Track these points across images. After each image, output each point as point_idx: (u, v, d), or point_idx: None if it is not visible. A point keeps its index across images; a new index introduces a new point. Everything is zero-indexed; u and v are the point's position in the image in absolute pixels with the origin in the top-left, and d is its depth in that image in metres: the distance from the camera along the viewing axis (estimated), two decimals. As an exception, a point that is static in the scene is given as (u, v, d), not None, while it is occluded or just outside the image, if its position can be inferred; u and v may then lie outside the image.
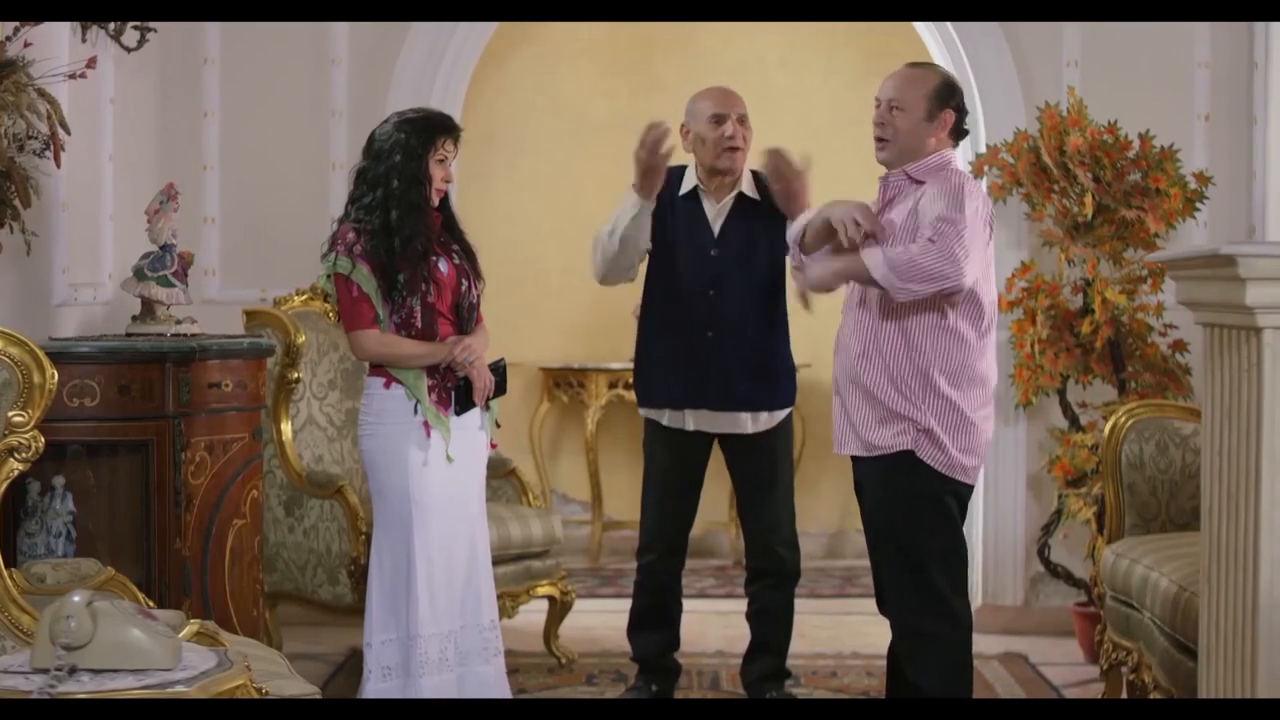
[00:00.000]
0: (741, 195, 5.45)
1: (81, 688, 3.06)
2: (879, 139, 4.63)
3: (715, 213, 5.45)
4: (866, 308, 4.59)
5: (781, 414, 5.52)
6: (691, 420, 5.47)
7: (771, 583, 5.57)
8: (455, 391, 4.78)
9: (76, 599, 3.16)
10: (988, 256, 4.54)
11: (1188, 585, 4.45)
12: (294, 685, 3.75)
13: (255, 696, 3.29)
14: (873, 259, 4.41)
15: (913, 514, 4.54)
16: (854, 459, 4.67)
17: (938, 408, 4.49)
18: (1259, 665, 3.40)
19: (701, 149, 5.42)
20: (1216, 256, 3.43)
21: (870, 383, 4.54)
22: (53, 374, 3.53)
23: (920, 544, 4.55)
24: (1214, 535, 3.71)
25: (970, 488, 4.62)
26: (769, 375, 5.44)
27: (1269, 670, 3.40)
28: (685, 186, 5.48)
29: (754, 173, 5.47)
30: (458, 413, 4.79)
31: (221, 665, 3.25)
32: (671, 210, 5.46)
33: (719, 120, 5.36)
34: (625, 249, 5.37)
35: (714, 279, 5.41)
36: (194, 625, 3.53)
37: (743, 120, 5.39)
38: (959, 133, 4.65)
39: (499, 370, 4.88)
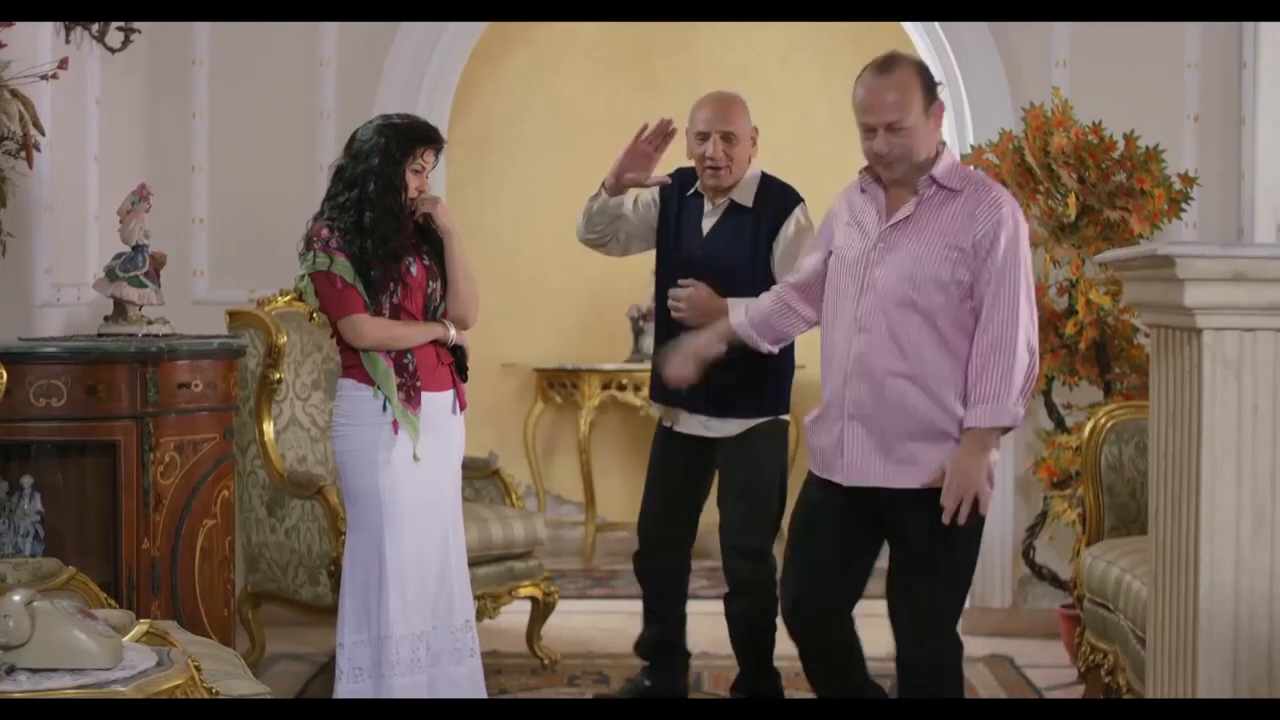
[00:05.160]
0: (732, 202, 5.42)
1: (18, 687, 3.05)
2: (885, 164, 4.12)
3: (708, 214, 5.47)
4: (894, 320, 4.07)
5: (753, 421, 5.43)
6: (677, 419, 5.49)
7: (736, 594, 5.48)
8: (455, 362, 4.86)
9: (16, 598, 3.15)
10: None
11: (1157, 588, 4.43)
12: (245, 685, 3.75)
13: (201, 696, 3.29)
14: (990, 413, 3.98)
15: (969, 535, 4.17)
16: (886, 491, 4.10)
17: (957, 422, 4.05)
18: (1199, 666, 3.38)
19: (694, 158, 5.45)
20: (1156, 257, 3.41)
21: (915, 404, 4.04)
22: (0, 374, 3.54)
23: (970, 564, 4.25)
24: (1160, 538, 3.69)
25: None
26: (746, 380, 5.33)
27: (1209, 671, 3.38)
28: (692, 187, 5.52)
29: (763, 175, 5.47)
30: (464, 379, 4.88)
31: (162, 665, 3.24)
32: (677, 208, 5.51)
33: (702, 138, 5.37)
34: (592, 221, 5.53)
35: (698, 278, 5.37)
36: (143, 625, 3.52)
37: (727, 137, 5.34)
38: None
39: (460, 351, 4.91)
